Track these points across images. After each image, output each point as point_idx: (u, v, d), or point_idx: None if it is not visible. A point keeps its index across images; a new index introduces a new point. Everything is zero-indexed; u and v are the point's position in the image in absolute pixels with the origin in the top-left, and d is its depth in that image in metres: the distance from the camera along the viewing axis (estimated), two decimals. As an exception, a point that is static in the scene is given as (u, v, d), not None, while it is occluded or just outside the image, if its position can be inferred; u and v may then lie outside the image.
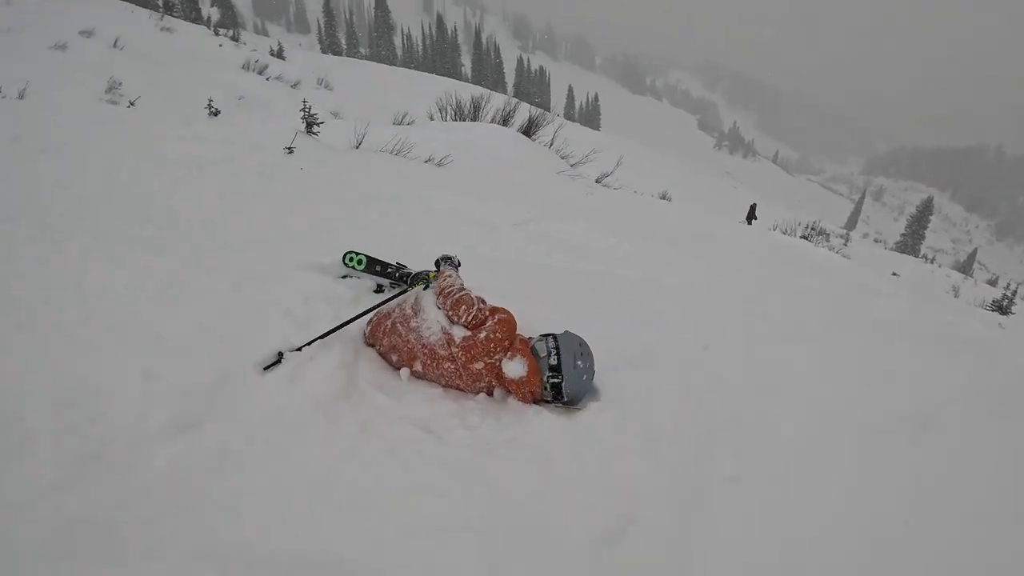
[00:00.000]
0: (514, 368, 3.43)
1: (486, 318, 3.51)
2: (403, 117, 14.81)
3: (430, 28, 74.10)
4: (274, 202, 5.24)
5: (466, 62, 76.24)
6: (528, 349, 3.50)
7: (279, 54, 34.58)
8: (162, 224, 4.21)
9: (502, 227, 6.05)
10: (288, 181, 5.92)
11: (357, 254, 4.15)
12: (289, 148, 7.04)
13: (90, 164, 5.01)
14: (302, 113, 8.32)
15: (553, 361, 3.44)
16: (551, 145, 14.03)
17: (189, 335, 3.11)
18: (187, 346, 3.04)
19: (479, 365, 3.46)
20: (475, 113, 15.47)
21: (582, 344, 3.52)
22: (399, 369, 3.59)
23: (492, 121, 14.95)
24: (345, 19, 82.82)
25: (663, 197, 17.59)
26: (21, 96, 9.37)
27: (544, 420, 3.25)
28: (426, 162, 8.85)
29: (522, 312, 3.68)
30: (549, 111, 24.26)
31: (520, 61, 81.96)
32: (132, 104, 12.69)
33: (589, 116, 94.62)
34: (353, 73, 36.23)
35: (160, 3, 43.76)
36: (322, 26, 67.80)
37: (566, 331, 3.59)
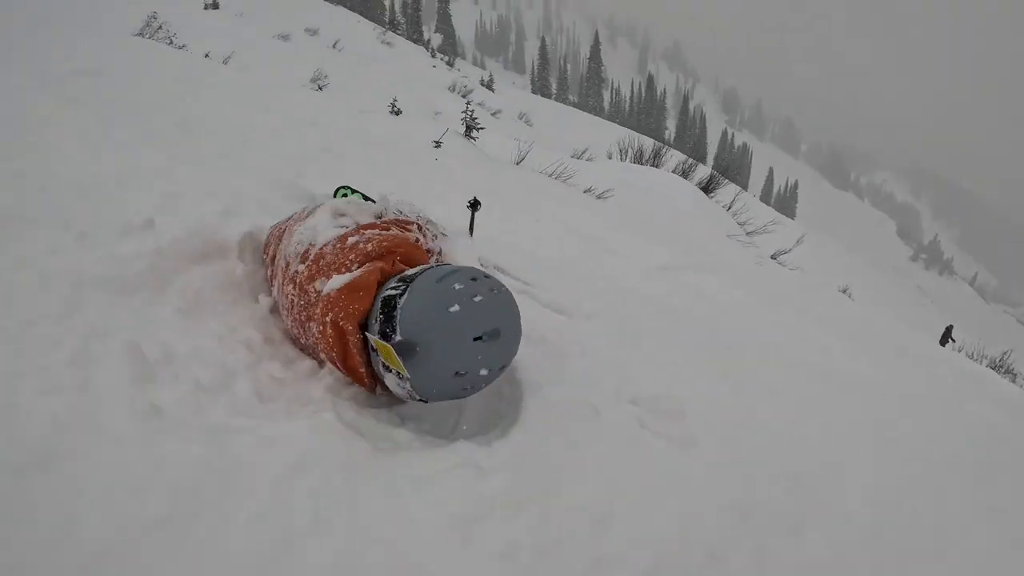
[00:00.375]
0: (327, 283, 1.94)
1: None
2: (583, 152, 14.35)
3: (640, 87, 74.15)
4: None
5: (670, 126, 75.66)
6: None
7: (489, 85, 35.76)
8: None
9: (641, 264, 5.28)
10: (418, 167, 5.49)
11: (353, 191, 3.07)
12: (437, 142, 6.68)
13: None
14: (463, 115, 8.08)
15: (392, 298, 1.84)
16: (729, 208, 13.00)
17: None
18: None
19: (318, 284, 1.97)
20: (655, 159, 14.75)
21: (476, 279, 1.84)
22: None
23: (672, 172, 14.19)
24: (559, 65, 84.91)
25: (844, 291, 15.95)
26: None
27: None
28: (585, 191, 8.23)
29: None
30: (746, 190, 23.18)
31: (724, 134, 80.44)
32: (320, 89, 13.19)
33: (785, 202, 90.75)
34: (555, 113, 36.84)
35: (386, 19, 46.67)
36: (535, 68, 69.71)
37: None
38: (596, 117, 48.21)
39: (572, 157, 13.81)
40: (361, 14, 41.06)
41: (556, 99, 62.42)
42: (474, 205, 2.91)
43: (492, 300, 1.82)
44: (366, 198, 2.87)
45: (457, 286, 1.78)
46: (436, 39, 57.19)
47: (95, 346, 1.71)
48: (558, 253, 4.39)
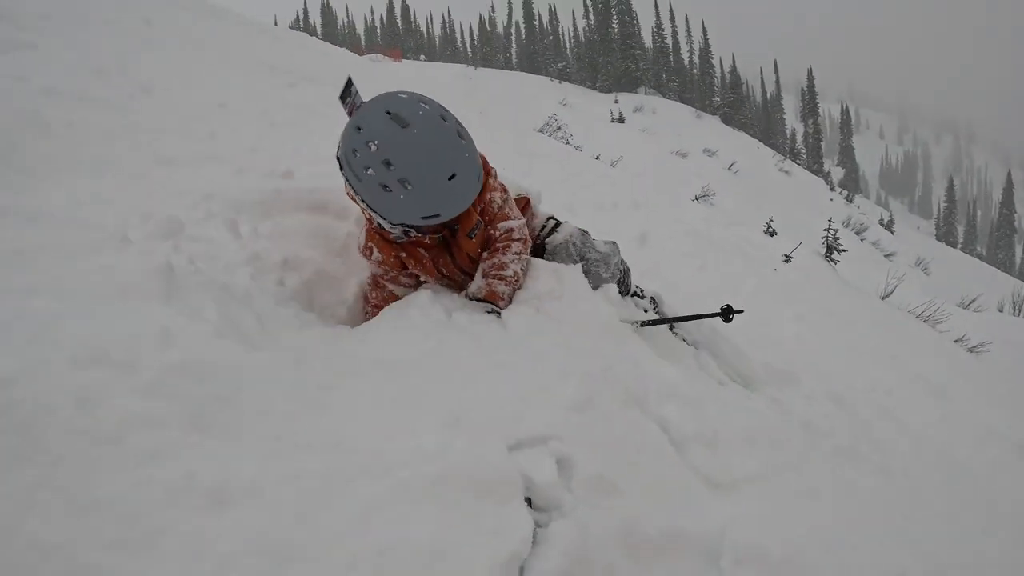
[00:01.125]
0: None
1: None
2: (971, 302, 12.53)
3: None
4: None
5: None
6: None
7: (888, 226, 33.29)
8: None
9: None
10: (758, 278, 5.22)
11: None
12: (787, 256, 6.32)
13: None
14: (824, 234, 7.55)
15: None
16: None
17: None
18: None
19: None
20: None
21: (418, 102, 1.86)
22: None
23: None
24: (967, 210, 75.90)
25: None
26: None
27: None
28: (956, 341, 7.08)
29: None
30: None
31: None
32: (695, 201, 13.49)
33: None
34: (958, 264, 32.96)
35: (787, 148, 46.47)
36: (940, 211, 63.65)
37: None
38: (1005, 274, 42.19)
39: (957, 305, 12.18)
40: (763, 140, 41.47)
41: (963, 249, 55.67)
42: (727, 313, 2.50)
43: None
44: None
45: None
46: (837, 172, 55.33)
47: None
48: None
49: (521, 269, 2.24)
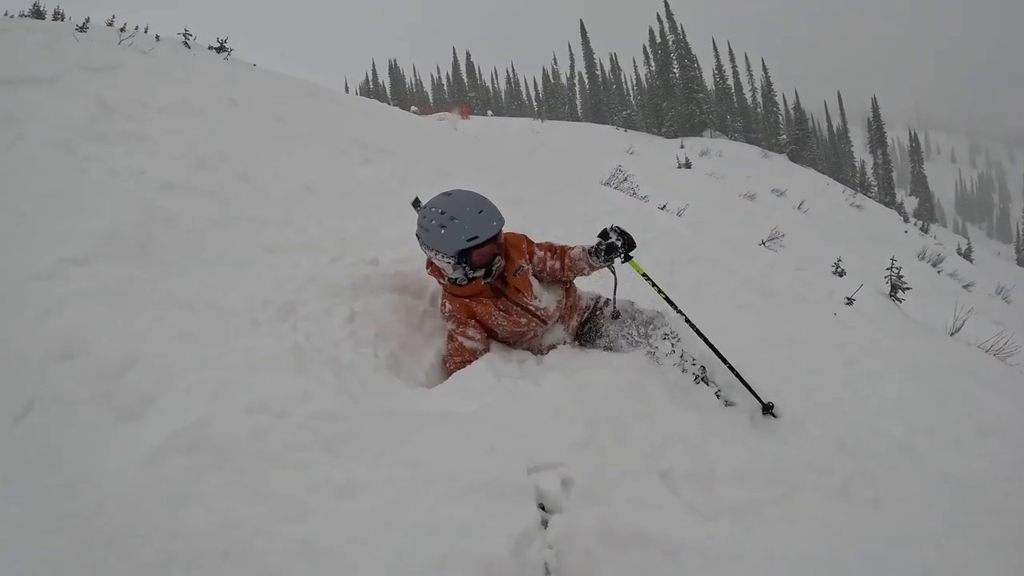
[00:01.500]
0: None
1: None
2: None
3: None
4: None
5: None
6: None
7: (966, 255, 32.38)
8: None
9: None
10: (813, 321, 5.55)
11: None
12: (849, 299, 6.63)
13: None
14: (887, 273, 7.79)
15: None
16: None
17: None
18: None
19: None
20: None
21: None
22: None
23: None
24: None
25: None
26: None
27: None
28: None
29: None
30: None
31: None
32: (764, 245, 13.74)
33: None
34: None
35: (857, 182, 45.72)
36: (1020, 235, 61.28)
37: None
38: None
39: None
40: (832, 175, 40.99)
41: None
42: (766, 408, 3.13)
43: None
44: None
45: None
46: (910, 202, 54.05)
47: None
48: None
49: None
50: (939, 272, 23.88)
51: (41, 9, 24.64)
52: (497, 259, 2.98)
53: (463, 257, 2.88)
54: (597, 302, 3.42)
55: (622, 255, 3.14)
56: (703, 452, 2.54)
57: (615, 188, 13.72)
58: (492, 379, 2.71)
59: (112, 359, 2.10)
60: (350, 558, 1.70)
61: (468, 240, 2.82)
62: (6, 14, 14.79)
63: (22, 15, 16.52)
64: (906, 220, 37.59)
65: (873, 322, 6.41)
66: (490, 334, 3.18)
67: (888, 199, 47.08)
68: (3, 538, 1.55)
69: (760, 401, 3.05)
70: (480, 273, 2.96)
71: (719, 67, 54.00)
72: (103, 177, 3.51)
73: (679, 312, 3.24)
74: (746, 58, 57.01)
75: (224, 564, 1.60)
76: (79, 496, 1.65)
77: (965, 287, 23.18)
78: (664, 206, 14.00)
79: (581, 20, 58.95)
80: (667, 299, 3.27)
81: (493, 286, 3.04)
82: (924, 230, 35.22)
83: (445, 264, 2.93)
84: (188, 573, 1.57)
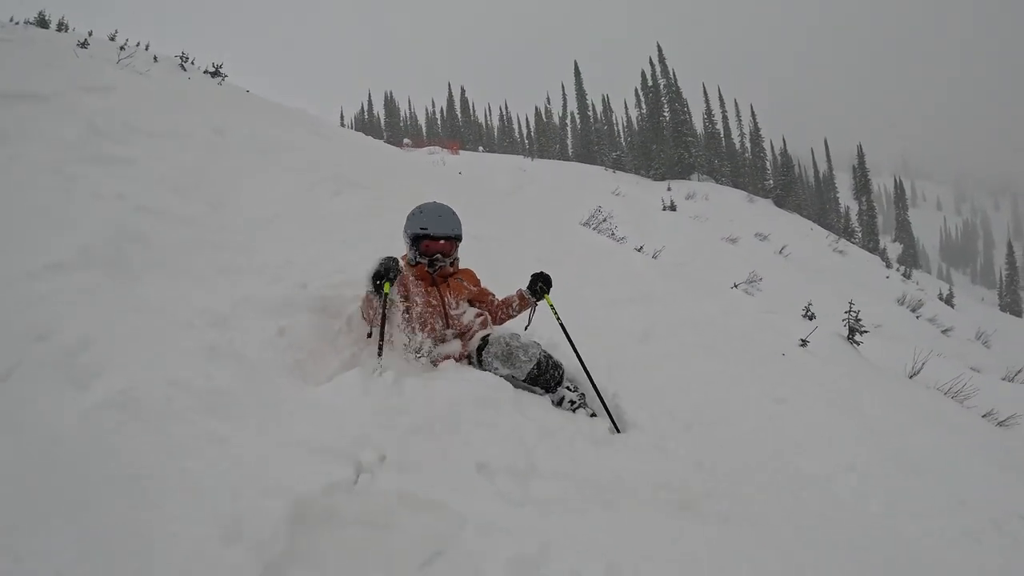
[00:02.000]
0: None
1: None
2: (1017, 372, 12.60)
3: None
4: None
5: None
6: None
7: (948, 300, 32.71)
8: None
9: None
10: (764, 364, 5.72)
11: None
12: (803, 340, 6.83)
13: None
14: (846, 316, 7.99)
15: None
16: None
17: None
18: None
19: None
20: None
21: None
22: None
23: None
24: None
25: None
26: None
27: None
28: (984, 415, 7.38)
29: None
30: None
31: None
32: (743, 290, 14.04)
33: None
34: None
35: (841, 227, 46.29)
36: (1003, 281, 61.98)
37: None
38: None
39: (1002, 379, 12.27)
40: (817, 221, 41.48)
41: None
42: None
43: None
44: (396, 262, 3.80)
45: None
46: (894, 248, 54.73)
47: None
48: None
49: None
50: (918, 317, 24.16)
51: (46, 18, 25.00)
52: (442, 258, 3.90)
53: (415, 241, 3.88)
54: (493, 337, 3.87)
55: (538, 293, 4.03)
56: (531, 455, 3.00)
57: (593, 229, 13.93)
58: (360, 386, 3.15)
59: (73, 343, 2.71)
60: (208, 481, 2.26)
61: (421, 228, 3.85)
62: (11, 19, 15.11)
63: (27, 22, 16.71)
64: (888, 265, 38.11)
65: (826, 364, 6.59)
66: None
67: (872, 245, 47.67)
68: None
69: (614, 423, 3.64)
70: (425, 261, 3.89)
71: (709, 112, 54.87)
72: (86, 198, 4.07)
73: (571, 343, 3.89)
74: (736, 104, 58.05)
75: (134, 484, 2.16)
76: (40, 432, 2.26)
77: (944, 332, 23.45)
78: (641, 247, 14.20)
79: (575, 61, 60.01)
80: (564, 331, 3.93)
81: (432, 276, 3.90)
82: (906, 275, 35.63)
83: (407, 244, 3.93)
84: (105, 487, 2.12)
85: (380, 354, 3.42)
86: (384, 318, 3.45)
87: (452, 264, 4.02)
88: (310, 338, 3.59)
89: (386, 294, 3.43)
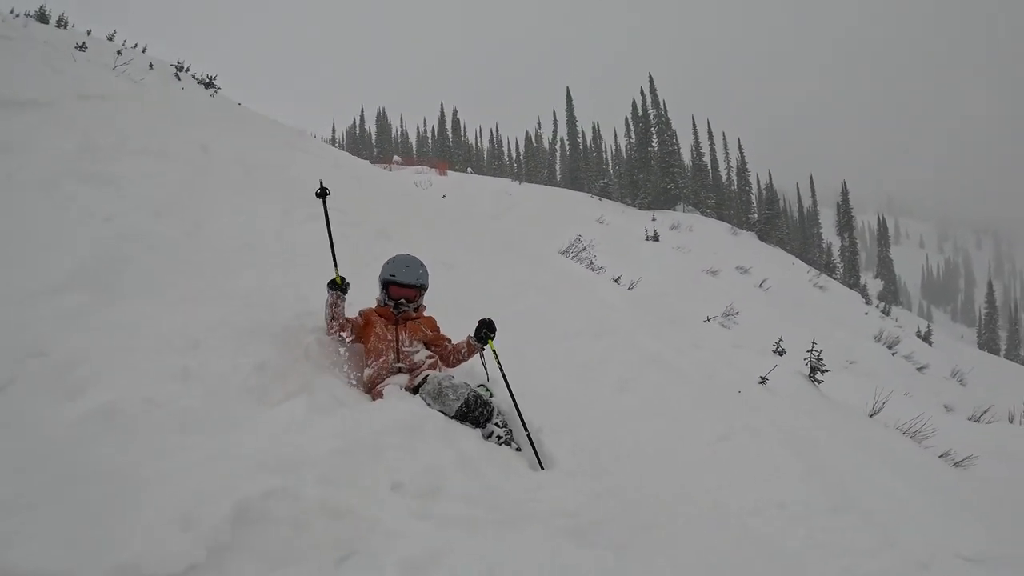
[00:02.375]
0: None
1: None
2: (983, 412, 12.81)
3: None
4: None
5: None
6: None
7: (926, 337, 33.00)
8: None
9: None
10: (705, 401, 5.80)
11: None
12: (762, 378, 6.97)
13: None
14: (807, 355, 8.16)
15: None
16: None
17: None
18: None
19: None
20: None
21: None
22: None
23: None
24: (1010, 315, 73.55)
25: None
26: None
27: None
28: (941, 456, 7.51)
29: None
30: None
31: None
32: (721, 325, 14.20)
33: None
34: (999, 375, 32.08)
35: (823, 263, 46.74)
36: (982, 318, 62.65)
37: None
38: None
39: (968, 419, 12.45)
40: (800, 256, 41.86)
41: (1007, 356, 53.95)
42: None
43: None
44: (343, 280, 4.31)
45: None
46: (875, 285, 55.25)
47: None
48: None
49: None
50: (894, 354, 24.33)
51: (47, 13, 25.09)
52: (406, 303, 4.36)
53: (385, 286, 4.39)
54: (431, 376, 4.19)
55: (483, 339, 4.35)
56: (443, 479, 3.28)
57: (572, 258, 14.01)
58: (304, 410, 3.47)
59: (65, 359, 3.05)
60: (173, 481, 2.56)
61: (390, 275, 4.37)
62: (11, 12, 15.18)
63: (27, 15, 16.78)
64: (868, 302, 38.40)
65: (784, 401, 6.73)
66: (366, 339, 4.31)
67: (853, 281, 48.14)
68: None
69: (537, 457, 3.95)
70: (391, 304, 4.35)
71: (697, 144, 55.42)
72: (77, 220, 4.40)
73: (506, 382, 4.20)
74: (724, 137, 58.62)
75: (112, 480, 2.49)
76: (33, 436, 2.60)
77: (919, 369, 23.63)
78: (619, 278, 14.32)
79: (568, 88, 60.60)
80: (501, 371, 4.24)
81: (396, 316, 4.33)
82: (886, 312, 35.92)
83: (379, 287, 4.44)
84: (88, 482, 2.43)
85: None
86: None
87: (416, 310, 4.49)
88: (271, 363, 3.77)
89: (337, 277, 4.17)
